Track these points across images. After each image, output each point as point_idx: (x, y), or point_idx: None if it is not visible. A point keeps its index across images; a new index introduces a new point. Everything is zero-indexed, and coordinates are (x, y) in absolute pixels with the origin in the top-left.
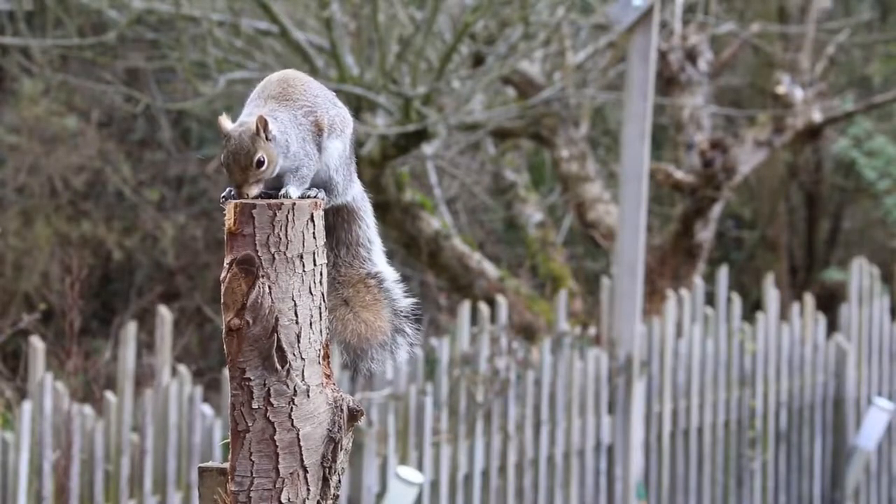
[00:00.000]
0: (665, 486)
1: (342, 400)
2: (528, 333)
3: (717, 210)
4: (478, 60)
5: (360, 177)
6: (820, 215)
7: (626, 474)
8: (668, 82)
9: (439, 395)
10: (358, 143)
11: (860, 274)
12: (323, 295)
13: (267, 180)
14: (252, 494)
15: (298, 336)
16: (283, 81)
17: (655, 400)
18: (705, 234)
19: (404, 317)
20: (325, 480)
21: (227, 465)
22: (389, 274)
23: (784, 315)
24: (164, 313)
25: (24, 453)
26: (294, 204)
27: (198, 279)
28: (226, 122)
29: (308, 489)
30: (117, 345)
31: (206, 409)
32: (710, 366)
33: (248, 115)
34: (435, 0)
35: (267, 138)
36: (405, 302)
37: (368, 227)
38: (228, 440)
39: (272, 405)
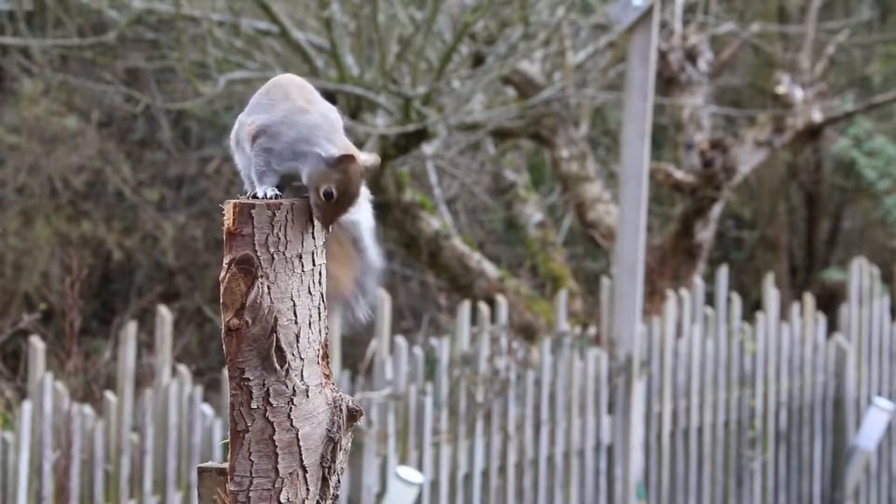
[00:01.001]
0: (665, 486)
1: (341, 400)
2: (528, 333)
3: (717, 210)
4: (478, 60)
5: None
6: (820, 215)
7: (626, 474)
8: (668, 82)
9: (439, 395)
10: (358, 144)
11: (860, 274)
12: (322, 295)
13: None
14: (251, 494)
15: (297, 336)
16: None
17: (655, 400)
18: (705, 234)
19: (370, 273)
20: (325, 480)
21: (226, 464)
22: (367, 229)
23: (784, 315)
24: (164, 313)
25: (24, 453)
26: (293, 204)
27: (198, 279)
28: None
29: (307, 489)
30: (117, 345)
31: (206, 409)
32: (710, 366)
33: (324, 139)
34: (435, 0)
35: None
36: (377, 262)
37: None
38: (228, 440)
39: (271, 405)
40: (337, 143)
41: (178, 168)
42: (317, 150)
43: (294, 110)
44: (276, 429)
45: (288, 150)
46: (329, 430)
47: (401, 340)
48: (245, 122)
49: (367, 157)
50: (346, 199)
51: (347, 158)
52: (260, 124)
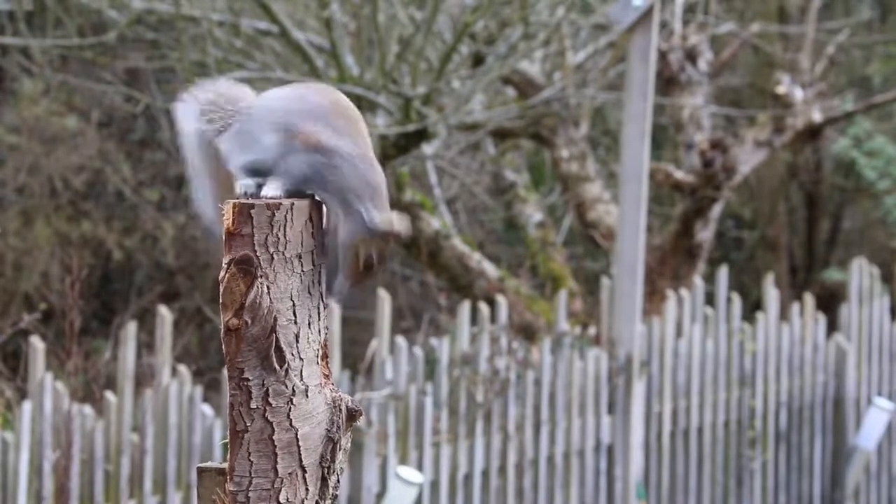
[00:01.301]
0: (665, 486)
1: (341, 400)
2: (528, 333)
3: (717, 210)
4: (478, 60)
5: None
6: (820, 215)
7: (626, 474)
8: (668, 82)
9: (439, 395)
10: None
11: (860, 274)
12: (322, 295)
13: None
14: (251, 494)
15: (297, 336)
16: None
17: (655, 400)
18: (705, 234)
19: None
20: (324, 480)
21: (225, 465)
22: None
23: (784, 315)
24: (164, 313)
25: (24, 453)
26: (293, 203)
27: (198, 279)
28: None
29: (307, 489)
30: (117, 345)
31: (206, 409)
32: (710, 366)
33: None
34: (435, 0)
35: None
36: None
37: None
38: (228, 440)
39: (271, 405)
40: (381, 207)
41: (178, 168)
42: (362, 210)
43: (361, 157)
44: (276, 429)
45: (339, 193)
46: (328, 430)
47: (401, 340)
48: (288, 122)
49: (403, 225)
50: (381, 266)
51: (393, 232)
52: (328, 143)
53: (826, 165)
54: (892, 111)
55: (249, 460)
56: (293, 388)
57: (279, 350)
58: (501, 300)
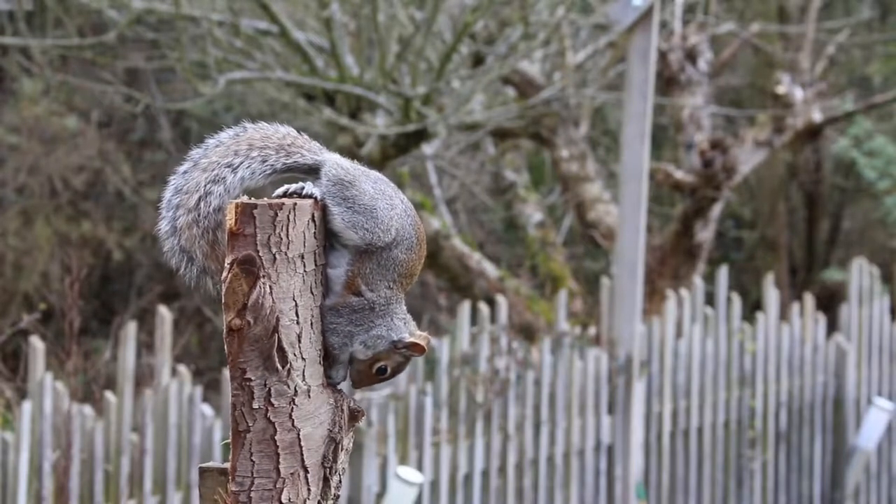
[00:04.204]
0: (665, 486)
1: (343, 400)
2: (528, 333)
3: (717, 210)
4: (478, 60)
5: None
6: (820, 215)
7: (626, 474)
8: (668, 82)
9: (439, 395)
10: (358, 144)
11: (860, 274)
12: (324, 295)
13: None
14: (253, 494)
15: (299, 336)
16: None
17: (655, 400)
18: (705, 234)
19: None
20: (326, 480)
21: (227, 465)
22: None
23: (784, 315)
24: (164, 313)
25: (24, 453)
26: (295, 204)
27: None
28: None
29: (309, 489)
30: (117, 345)
31: (206, 409)
32: (710, 366)
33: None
34: (435, 0)
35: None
36: None
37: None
38: (229, 440)
39: (273, 405)
40: (409, 324)
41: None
42: (390, 331)
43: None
44: (278, 429)
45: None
46: (330, 431)
47: None
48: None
49: (425, 338)
50: (392, 376)
51: (416, 347)
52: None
53: (826, 165)
54: (892, 111)
55: (251, 460)
56: (295, 389)
57: (281, 350)
58: (501, 300)
